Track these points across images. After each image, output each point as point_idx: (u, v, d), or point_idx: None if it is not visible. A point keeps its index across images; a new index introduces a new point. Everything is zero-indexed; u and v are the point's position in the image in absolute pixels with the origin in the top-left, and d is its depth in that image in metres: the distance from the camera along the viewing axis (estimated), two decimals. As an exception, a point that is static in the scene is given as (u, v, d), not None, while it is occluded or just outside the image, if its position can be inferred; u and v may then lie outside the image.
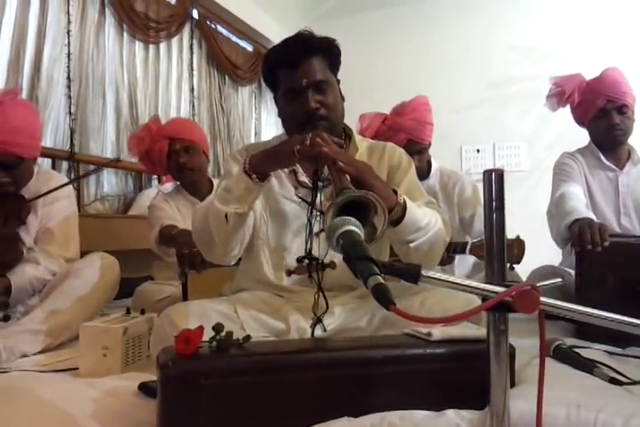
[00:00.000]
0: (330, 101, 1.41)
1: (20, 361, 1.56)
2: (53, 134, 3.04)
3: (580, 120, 2.33)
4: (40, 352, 1.65)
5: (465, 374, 1.04)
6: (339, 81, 1.50)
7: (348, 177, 1.19)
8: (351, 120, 1.67)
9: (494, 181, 0.80)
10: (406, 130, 2.39)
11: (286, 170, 1.49)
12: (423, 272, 0.76)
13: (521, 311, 0.74)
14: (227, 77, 4.56)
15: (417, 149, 2.38)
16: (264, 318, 1.35)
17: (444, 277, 0.77)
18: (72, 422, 0.99)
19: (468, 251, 1.98)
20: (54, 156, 2.98)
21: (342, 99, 1.50)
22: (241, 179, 1.29)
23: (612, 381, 1.15)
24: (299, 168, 1.49)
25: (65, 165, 3.07)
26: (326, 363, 1.01)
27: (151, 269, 2.81)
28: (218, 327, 1.03)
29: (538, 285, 0.84)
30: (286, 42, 1.46)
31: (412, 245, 1.28)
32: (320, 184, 1.40)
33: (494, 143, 4.78)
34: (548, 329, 0.82)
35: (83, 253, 2.14)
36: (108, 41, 3.42)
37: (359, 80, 4.80)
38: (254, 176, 1.29)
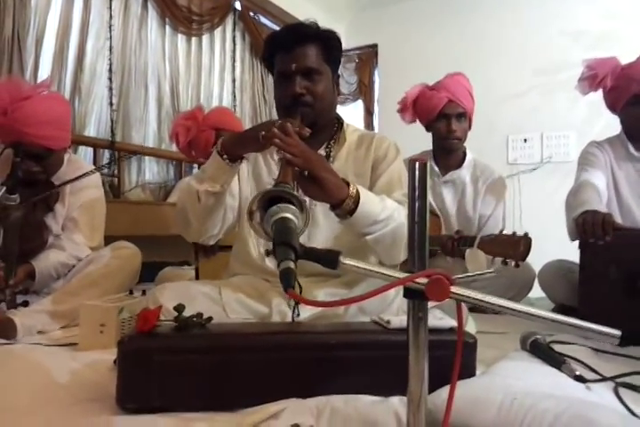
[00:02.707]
0: (317, 90, 1.43)
1: (35, 336, 1.68)
2: (96, 124, 3.21)
3: (611, 106, 2.22)
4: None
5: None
6: (339, 76, 1.52)
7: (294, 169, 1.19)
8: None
9: (418, 170, 0.80)
10: (447, 88, 2.35)
11: (276, 158, 1.52)
12: (341, 259, 0.78)
13: (432, 299, 0.75)
14: (270, 68, 4.62)
15: (456, 111, 2.34)
16: (248, 302, 1.41)
17: (362, 264, 0.78)
18: (48, 389, 1.08)
19: (476, 245, 1.95)
20: (96, 145, 3.13)
21: (336, 92, 1.51)
22: (214, 159, 1.34)
23: (577, 378, 1.13)
24: None
25: (106, 153, 3.23)
26: (280, 346, 1.05)
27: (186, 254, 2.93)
28: (179, 308, 1.08)
29: (467, 275, 0.85)
30: (287, 27, 1.50)
31: (368, 237, 1.29)
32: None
33: (542, 133, 4.62)
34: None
35: (117, 238, 2.25)
36: (150, 34, 3.56)
37: (408, 67, 4.77)
38: (225, 157, 1.33)
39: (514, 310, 0.74)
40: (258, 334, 1.09)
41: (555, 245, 2.27)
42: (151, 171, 3.58)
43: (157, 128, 3.62)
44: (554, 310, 2.07)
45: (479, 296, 0.75)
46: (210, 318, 1.11)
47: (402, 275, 0.78)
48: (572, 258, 2.10)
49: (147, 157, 3.54)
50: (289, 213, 0.88)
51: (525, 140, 4.70)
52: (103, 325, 1.46)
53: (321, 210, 1.45)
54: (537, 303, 2.40)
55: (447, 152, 2.39)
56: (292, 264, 0.74)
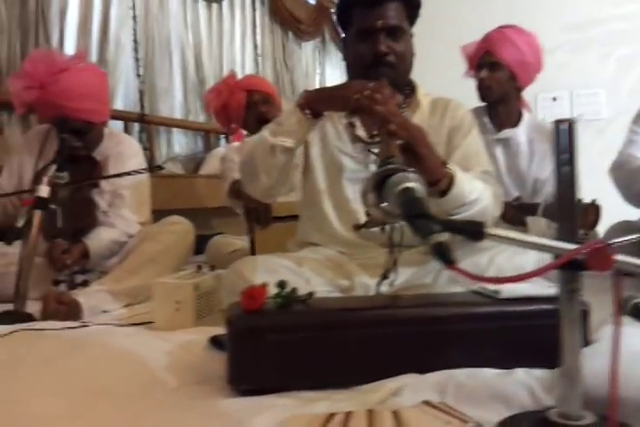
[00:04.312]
0: (400, 49, 1.36)
1: (100, 316, 1.65)
2: (124, 97, 3.13)
3: None
4: (118, 311, 1.74)
5: (534, 333, 1.01)
6: (412, 35, 1.44)
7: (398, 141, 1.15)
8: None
9: (564, 133, 0.74)
10: (487, 39, 2.24)
11: (344, 122, 1.46)
12: (487, 229, 0.72)
13: (594, 270, 0.70)
14: (290, 33, 4.50)
15: (488, 60, 2.22)
16: (328, 274, 1.36)
17: (511, 234, 0.73)
18: (147, 373, 1.05)
19: (540, 213, 1.88)
20: (125, 118, 3.06)
21: (413, 53, 1.44)
22: (293, 112, 1.28)
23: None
24: (357, 121, 1.46)
25: (136, 126, 3.16)
26: (391, 320, 1.01)
27: (221, 226, 2.90)
28: (282, 283, 1.04)
29: (614, 241, 0.80)
30: None
31: (454, 218, 1.23)
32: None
33: (572, 91, 4.49)
34: (626, 287, 0.78)
35: (154, 212, 2.21)
36: (171, 1, 3.43)
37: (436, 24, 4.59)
38: (307, 112, 1.27)
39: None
40: (368, 309, 1.05)
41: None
42: (180, 143, 3.52)
43: (183, 99, 3.54)
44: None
45: (647, 264, 0.70)
46: (311, 294, 1.07)
47: (559, 244, 0.73)
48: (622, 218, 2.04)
49: (174, 130, 3.47)
50: (413, 182, 0.83)
51: (554, 99, 4.57)
52: (179, 302, 1.42)
53: None
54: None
55: (492, 106, 2.30)
56: (441, 237, 0.69)
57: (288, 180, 1.40)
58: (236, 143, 3.19)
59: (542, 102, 4.59)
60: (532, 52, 2.26)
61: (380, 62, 1.34)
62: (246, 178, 1.42)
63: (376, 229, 1.34)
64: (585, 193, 2.28)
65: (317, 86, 4.95)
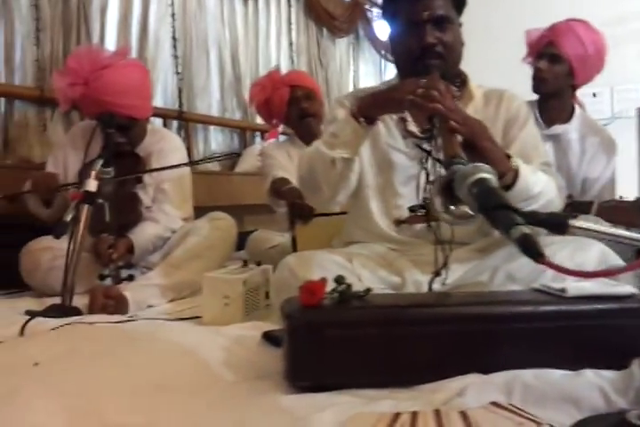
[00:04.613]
0: (449, 40, 1.32)
1: (146, 310, 1.66)
2: (162, 94, 3.15)
3: None
4: (163, 305, 1.74)
5: (603, 333, 0.97)
6: (461, 24, 1.40)
7: (459, 137, 1.12)
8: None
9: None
10: (553, 29, 2.20)
11: (395, 117, 1.43)
12: (571, 222, 0.69)
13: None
14: (324, 30, 4.47)
15: (549, 51, 2.17)
16: (379, 271, 1.34)
17: (597, 227, 0.69)
18: (204, 367, 1.03)
19: (593, 212, 1.82)
20: (164, 115, 3.08)
21: (462, 43, 1.40)
22: (348, 123, 1.26)
23: None
24: (408, 116, 1.43)
25: (175, 124, 3.17)
26: (453, 318, 0.98)
27: (255, 223, 2.90)
28: (340, 279, 1.01)
29: None
30: None
31: None
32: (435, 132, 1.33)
33: (612, 86, 4.38)
34: None
35: (196, 209, 2.22)
36: (208, -2, 3.44)
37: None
38: (362, 120, 1.24)
39: None
40: (430, 306, 1.02)
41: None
42: (217, 141, 3.53)
43: (220, 97, 3.54)
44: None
45: None
46: (369, 290, 1.04)
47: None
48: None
49: (212, 127, 3.48)
50: (486, 172, 0.80)
51: (594, 95, 4.47)
52: (227, 297, 1.41)
53: None
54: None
55: (544, 100, 2.24)
56: (527, 229, 0.65)
57: (350, 187, 1.39)
58: (273, 140, 3.20)
59: (582, 98, 4.47)
60: (597, 51, 2.18)
61: (428, 54, 1.30)
62: (308, 191, 1.43)
63: (422, 226, 1.32)
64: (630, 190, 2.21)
65: (351, 83, 4.93)
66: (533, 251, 0.62)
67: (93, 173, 1.63)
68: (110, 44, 2.82)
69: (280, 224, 2.47)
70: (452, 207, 0.92)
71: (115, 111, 1.91)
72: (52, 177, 1.90)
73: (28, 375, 0.98)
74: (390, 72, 5.22)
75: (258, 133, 3.79)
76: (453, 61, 1.37)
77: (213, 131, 3.49)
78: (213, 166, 3.43)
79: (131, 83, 1.97)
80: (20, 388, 0.91)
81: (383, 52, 5.12)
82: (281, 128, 3.25)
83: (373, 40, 5.02)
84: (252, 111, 3.71)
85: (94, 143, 2.00)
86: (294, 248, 2.03)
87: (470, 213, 0.91)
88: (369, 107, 1.25)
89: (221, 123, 3.48)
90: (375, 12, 5.18)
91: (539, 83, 2.19)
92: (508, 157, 1.15)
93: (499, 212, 0.69)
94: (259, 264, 1.60)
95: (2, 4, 2.39)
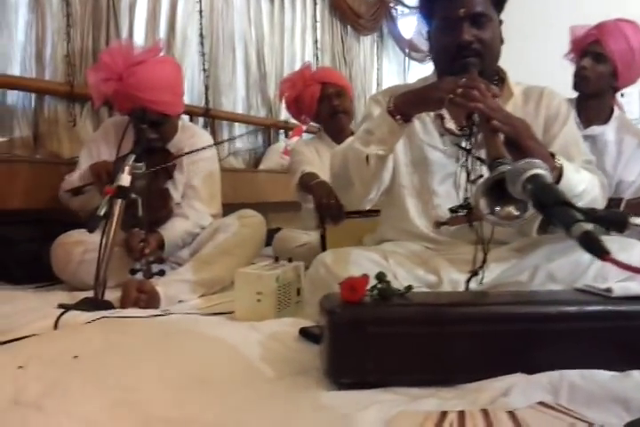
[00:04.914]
0: (486, 37, 1.30)
1: (177, 305, 1.66)
2: (189, 91, 3.14)
3: None
4: (194, 301, 1.75)
5: (650, 334, 0.95)
6: (501, 22, 1.38)
7: (501, 136, 1.10)
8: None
9: None
10: (600, 28, 2.16)
11: (432, 115, 1.41)
12: (631, 219, 0.67)
13: None
14: (349, 28, 4.46)
15: (595, 50, 2.14)
16: (415, 269, 1.32)
17: (660, 224, 0.68)
18: (243, 362, 1.03)
19: (622, 208, 1.80)
20: (191, 112, 3.08)
21: (501, 41, 1.38)
22: (384, 120, 1.25)
23: None
24: (445, 114, 1.41)
25: (201, 120, 3.18)
26: (498, 317, 0.96)
27: (279, 221, 2.90)
28: (381, 276, 1.01)
29: None
30: None
31: None
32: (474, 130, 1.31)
33: (641, 87, 4.30)
34: None
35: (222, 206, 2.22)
36: (235, -5, 3.44)
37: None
38: (398, 117, 1.23)
39: None
40: (474, 305, 1.01)
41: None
42: (241, 138, 3.53)
43: (245, 94, 3.55)
44: None
45: None
46: (410, 287, 1.03)
47: None
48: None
49: (236, 124, 3.49)
50: (539, 168, 0.78)
51: (622, 95, 4.38)
52: (260, 293, 1.41)
53: None
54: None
55: (583, 99, 2.20)
56: (588, 226, 0.64)
57: (383, 185, 1.38)
58: (295, 139, 3.20)
59: (610, 98, 4.42)
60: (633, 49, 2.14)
61: (464, 52, 1.29)
62: (341, 189, 1.44)
63: (462, 226, 1.30)
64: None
65: (375, 81, 4.91)
66: (597, 248, 0.61)
67: (127, 168, 1.64)
68: (139, 40, 2.83)
69: (306, 221, 2.46)
70: (498, 208, 0.91)
71: (147, 107, 1.92)
72: (109, 165, 1.89)
73: (70, 368, 0.98)
74: (414, 70, 5.20)
75: (282, 131, 3.78)
76: (491, 59, 1.34)
77: (238, 128, 3.49)
78: (237, 164, 3.44)
79: (164, 79, 1.97)
80: (63, 380, 0.92)
81: (407, 51, 5.09)
82: (304, 126, 3.26)
83: (397, 38, 4.99)
84: (277, 109, 3.73)
85: (126, 139, 2.01)
86: (323, 247, 2.03)
87: (516, 213, 0.90)
88: (406, 104, 1.23)
89: (246, 120, 3.49)
90: (399, 10, 5.16)
91: (580, 81, 2.16)
92: (552, 155, 1.13)
93: (558, 208, 0.67)
94: (290, 261, 1.59)
95: (34, 0, 2.41)
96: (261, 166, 3.52)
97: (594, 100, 2.19)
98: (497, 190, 0.89)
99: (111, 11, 2.70)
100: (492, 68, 1.39)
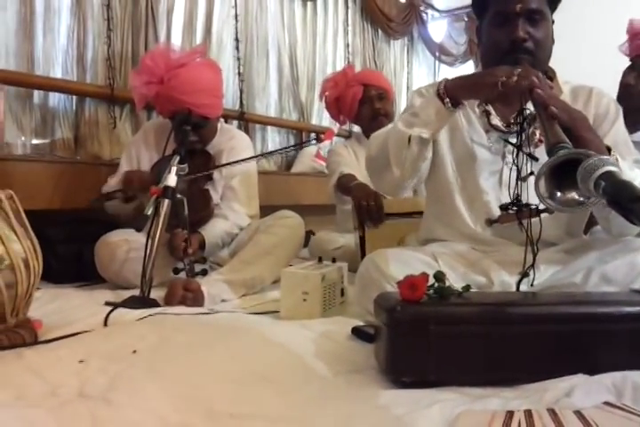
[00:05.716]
0: (540, 36, 1.28)
1: (221, 304, 1.67)
2: (225, 94, 3.17)
3: None
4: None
5: None
6: (553, 21, 1.36)
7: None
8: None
9: None
10: None
11: (477, 111, 1.40)
12: None
13: None
14: (379, 31, 4.46)
15: None
16: (465, 271, 1.31)
17: None
18: (300, 360, 1.03)
19: None
20: (225, 116, 3.10)
21: (552, 40, 1.36)
22: (432, 102, 1.23)
23: None
24: (491, 110, 1.40)
25: (234, 124, 3.21)
26: (558, 317, 0.95)
27: (311, 224, 2.91)
28: (439, 275, 1.00)
29: None
30: None
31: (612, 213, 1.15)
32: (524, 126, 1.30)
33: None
34: None
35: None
36: (269, 0, 3.47)
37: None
38: (447, 100, 1.21)
39: None
40: (533, 305, 1.00)
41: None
42: (273, 141, 3.55)
43: (278, 98, 3.57)
44: None
45: None
46: (469, 287, 1.03)
47: None
48: None
49: (269, 127, 3.51)
50: (612, 165, 0.77)
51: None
52: (306, 293, 1.41)
53: None
54: None
55: (629, 108, 2.16)
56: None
57: (419, 173, 1.34)
58: (326, 143, 3.20)
59: None
60: None
61: (517, 49, 1.27)
62: (375, 172, 1.39)
63: (512, 225, 1.28)
64: None
65: (405, 85, 4.90)
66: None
67: (174, 169, 1.66)
68: (176, 44, 2.87)
69: (342, 223, 2.46)
70: (559, 194, 0.89)
71: (190, 109, 1.94)
72: (144, 174, 1.93)
73: (130, 362, 0.99)
74: (444, 74, 5.17)
75: (312, 135, 3.79)
76: (543, 59, 1.33)
77: (270, 131, 3.52)
78: (269, 167, 3.46)
79: (205, 82, 1.99)
80: (127, 374, 0.93)
81: (437, 54, 5.08)
82: (336, 130, 3.26)
83: (428, 42, 4.98)
84: (309, 113, 3.74)
85: (168, 141, 2.04)
86: (362, 249, 2.02)
87: (580, 199, 0.88)
88: (458, 88, 1.22)
89: (279, 123, 3.51)
90: (430, 14, 5.16)
91: (624, 96, 2.13)
92: (610, 149, 1.11)
93: (636, 205, 0.66)
94: (333, 261, 1.59)
95: (75, 4, 2.46)
96: (293, 169, 3.53)
97: (636, 111, 2.16)
98: (557, 176, 0.88)
99: (149, 15, 2.74)
100: (543, 68, 1.37)
